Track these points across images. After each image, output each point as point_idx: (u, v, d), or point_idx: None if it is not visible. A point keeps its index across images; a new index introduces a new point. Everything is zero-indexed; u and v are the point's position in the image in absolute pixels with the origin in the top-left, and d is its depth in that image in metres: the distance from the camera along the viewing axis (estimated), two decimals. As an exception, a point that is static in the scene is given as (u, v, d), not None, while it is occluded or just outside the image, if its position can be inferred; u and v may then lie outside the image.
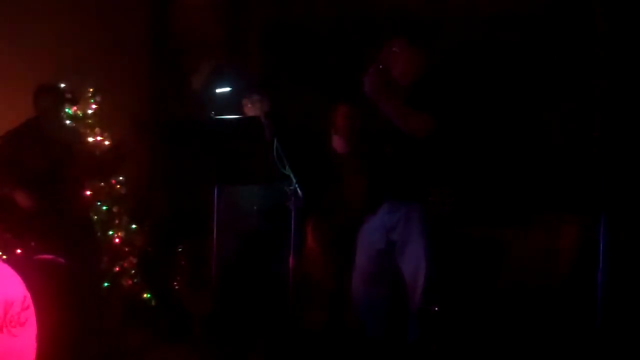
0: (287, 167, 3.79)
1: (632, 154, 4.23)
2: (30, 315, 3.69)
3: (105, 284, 5.14)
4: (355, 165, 4.09)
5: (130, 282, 5.38)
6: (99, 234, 5.13)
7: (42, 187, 4.36)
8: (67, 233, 4.34)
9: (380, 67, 3.60)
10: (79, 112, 5.26)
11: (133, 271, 5.41)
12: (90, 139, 5.22)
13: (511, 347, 4.35)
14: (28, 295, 3.70)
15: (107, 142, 5.28)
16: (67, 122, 5.05)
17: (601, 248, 3.49)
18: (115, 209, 5.37)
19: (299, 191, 3.80)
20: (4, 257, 4.32)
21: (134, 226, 5.48)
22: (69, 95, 4.90)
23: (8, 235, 4.45)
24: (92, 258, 4.64)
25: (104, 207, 5.31)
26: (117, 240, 5.33)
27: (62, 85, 5.14)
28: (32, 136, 4.48)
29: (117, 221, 5.38)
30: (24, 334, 3.70)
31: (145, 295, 5.44)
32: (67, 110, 5.22)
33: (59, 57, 5.20)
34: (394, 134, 3.61)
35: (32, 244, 4.24)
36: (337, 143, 3.90)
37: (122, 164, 5.00)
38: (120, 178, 5.41)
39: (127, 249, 5.40)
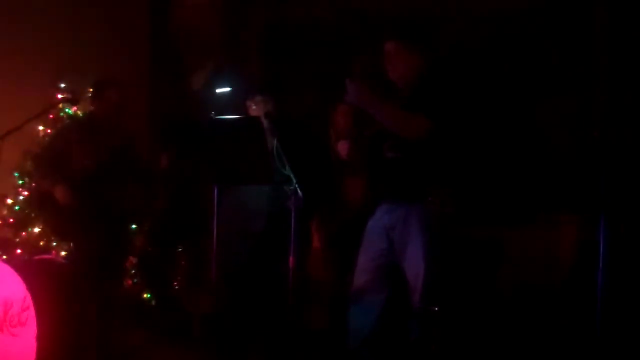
0: (287, 168, 3.79)
1: (632, 154, 4.24)
2: (30, 315, 3.69)
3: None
4: (355, 166, 4.09)
5: (130, 282, 5.38)
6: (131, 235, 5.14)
7: (85, 186, 4.34)
8: (100, 233, 4.33)
9: (358, 74, 3.59)
10: (78, 112, 5.25)
11: (133, 271, 5.40)
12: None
13: (511, 347, 4.36)
14: (28, 295, 3.70)
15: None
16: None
17: (601, 248, 3.49)
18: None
19: (299, 191, 3.79)
20: (4, 257, 4.32)
21: (134, 226, 5.48)
22: (69, 95, 4.90)
23: (46, 230, 4.45)
24: (118, 261, 4.64)
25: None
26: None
27: (63, 85, 5.15)
28: (84, 133, 4.46)
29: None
30: (24, 334, 3.70)
31: (145, 295, 5.43)
32: (67, 110, 5.23)
33: (59, 57, 5.20)
34: (392, 135, 3.61)
35: (68, 240, 4.23)
36: (342, 147, 3.89)
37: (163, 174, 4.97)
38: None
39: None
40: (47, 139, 4.74)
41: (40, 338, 3.68)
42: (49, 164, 4.45)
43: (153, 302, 5.44)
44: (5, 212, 5.15)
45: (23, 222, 5.15)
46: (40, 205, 4.58)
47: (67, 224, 4.35)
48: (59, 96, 5.11)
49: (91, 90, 4.55)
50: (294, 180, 3.78)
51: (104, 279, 4.33)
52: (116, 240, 4.57)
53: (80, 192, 4.32)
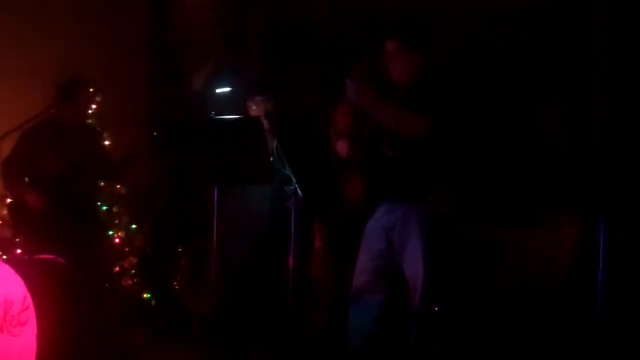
0: (287, 168, 3.79)
1: (632, 154, 4.23)
2: (30, 315, 3.69)
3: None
4: (355, 165, 4.09)
5: (130, 282, 5.38)
6: (109, 233, 5.12)
7: (55, 187, 4.32)
8: (76, 234, 4.31)
9: (358, 73, 3.60)
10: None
11: (133, 271, 5.40)
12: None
13: (511, 347, 4.36)
14: (28, 295, 3.70)
15: (107, 142, 5.27)
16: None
17: (601, 248, 3.49)
18: (115, 209, 5.37)
19: (299, 191, 3.80)
20: (4, 257, 4.32)
21: (134, 226, 5.48)
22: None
23: (20, 236, 4.43)
24: (100, 260, 4.63)
25: (104, 207, 5.30)
26: (117, 240, 5.33)
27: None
28: (52, 135, 4.42)
29: (117, 221, 5.38)
30: (24, 334, 3.70)
31: (145, 295, 5.43)
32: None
33: (59, 57, 5.20)
34: (391, 134, 3.61)
35: (42, 245, 4.20)
36: (341, 147, 3.89)
37: (137, 172, 4.97)
38: (120, 178, 5.41)
39: (127, 249, 5.40)
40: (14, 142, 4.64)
41: (40, 338, 3.68)
42: (16, 169, 4.39)
43: (153, 302, 5.44)
44: (5, 212, 5.15)
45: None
46: (14, 211, 4.52)
47: (42, 227, 4.31)
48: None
49: (59, 91, 4.49)
50: (294, 181, 3.78)
51: (90, 278, 4.30)
52: (93, 239, 4.55)
53: (52, 194, 4.29)
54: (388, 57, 3.70)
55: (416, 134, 3.52)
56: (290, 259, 3.85)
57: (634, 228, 4.29)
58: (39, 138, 4.38)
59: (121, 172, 4.87)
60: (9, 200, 4.82)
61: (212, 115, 4.02)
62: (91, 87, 5.01)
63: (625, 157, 3.97)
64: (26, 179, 4.39)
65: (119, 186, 5.40)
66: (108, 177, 4.85)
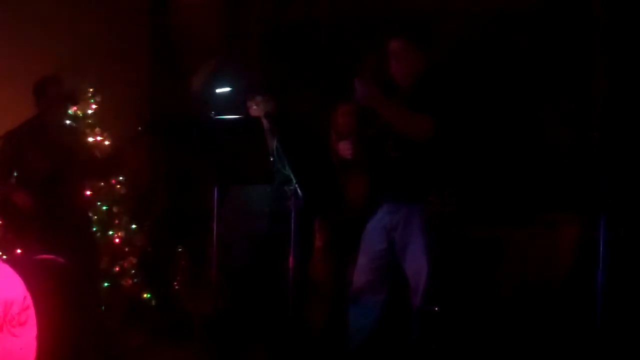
0: (287, 168, 3.79)
1: (632, 154, 4.24)
2: (30, 315, 3.69)
3: (105, 284, 5.13)
4: (357, 165, 4.09)
5: (130, 282, 5.38)
6: (98, 234, 5.12)
7: (42, 187, 4.33)
8: (66, 233, 4.32)
9: (367, 74, 3.60)
10: (79, 112, 5.25)
11: (133, 271, 5.40)
12: (90, 139, 5.21)
13: (511, 347, 4.36)
14: (28, 295, 3.70)
15: (107, 142, 5.28)
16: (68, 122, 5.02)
17: (601, 248, 3.49)
18: (115, 209, 5.36)
19: (299, 191, 3.80)
20: (4, 257, 4.32)
21: (134, 226, 5.48)
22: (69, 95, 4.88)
23: (9, 236, 4.44)
24: (91, 258, 4.62)
25: (104, 207, 5.30)
26: (117, 240, 5.33)
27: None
28: (35, 135, 4.42)
29: (117, 221, 5.37)
30: (24, 334, 3.70)
31: (145, 295, 5.44)
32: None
33: (59, 57, 5.20)
34: (395, 134, 3.61)
35: (34, 245, 4.21)
36: (343, 147, 3.89)
37: (123, 167, 4.97)
38: (120, 178, 5.40)
39: (127, 249, 5.40)
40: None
41: (40, 338, 3.68)
42: (2, 170, 4.39)
43: (153, 302, 5.45)
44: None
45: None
46: (2, 210, 4.52)
47: (31, 226, 4.31)
48: (59, 96, 5.09)
49: (34, 90, 4.50)
50: (294, 181, 3.78)
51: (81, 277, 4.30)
52: (82, 238, 4.55)
53: (38, 193, 4.30)
54: (392, 56, 3.69)
55: (423, 135, 3.51)
56: (290, 259, 3.85)
57: (634, 228, 4.29)
58: (21, 139, 4.39)
59: (107, 170, 4.87)
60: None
61: (212, 115, 4.01)
62: (89, 86, 5.01)
63: (625, 157, 3.98)
64: (12, 179, 4.40)
65: (119, 186, 5.41)
66: (94, 175, 4.85)
